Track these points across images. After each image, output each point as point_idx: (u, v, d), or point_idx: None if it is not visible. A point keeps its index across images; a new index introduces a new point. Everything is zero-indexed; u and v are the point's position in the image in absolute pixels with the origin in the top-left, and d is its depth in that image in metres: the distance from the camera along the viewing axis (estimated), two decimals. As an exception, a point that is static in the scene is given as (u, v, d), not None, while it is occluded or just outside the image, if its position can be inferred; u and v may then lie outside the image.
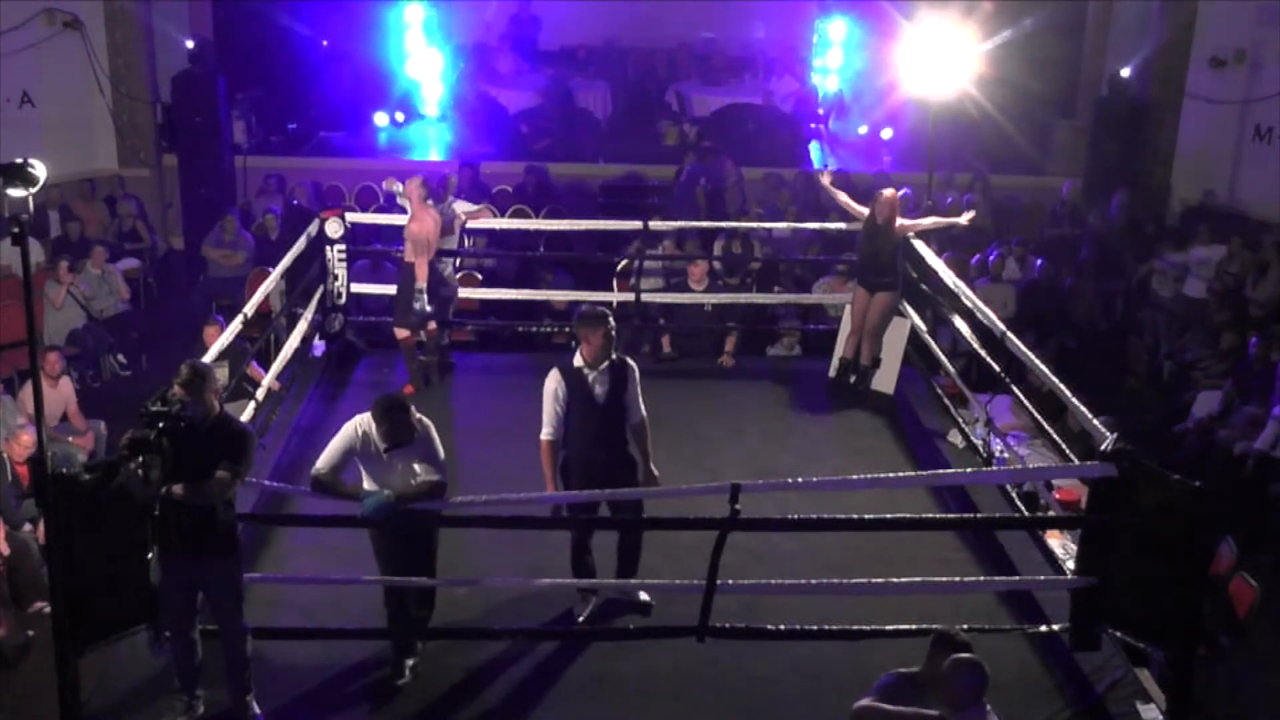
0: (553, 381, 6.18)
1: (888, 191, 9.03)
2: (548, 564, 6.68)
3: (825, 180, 9.71)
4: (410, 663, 5.91)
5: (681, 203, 13.28)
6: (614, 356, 6.23)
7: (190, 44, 13.80)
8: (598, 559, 6.44)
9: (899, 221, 8.96)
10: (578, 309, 6.46)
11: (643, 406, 6.31)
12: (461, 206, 9.95)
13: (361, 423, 5.73)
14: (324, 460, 5.75)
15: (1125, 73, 14.02)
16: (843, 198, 9.43)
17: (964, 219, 9.35)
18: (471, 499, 6.01)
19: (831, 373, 9.46)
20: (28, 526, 7.99)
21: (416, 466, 5.67)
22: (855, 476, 6.45)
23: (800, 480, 6.18)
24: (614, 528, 6.84)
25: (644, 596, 6.52)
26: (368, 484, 5.78)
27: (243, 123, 14.76)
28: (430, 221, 8.86)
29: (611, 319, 6.20)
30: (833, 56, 16.89)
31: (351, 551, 6.61)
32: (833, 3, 16.92)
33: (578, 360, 6.21)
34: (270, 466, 7.54)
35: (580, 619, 6.40)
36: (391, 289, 10.50)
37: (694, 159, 13.66)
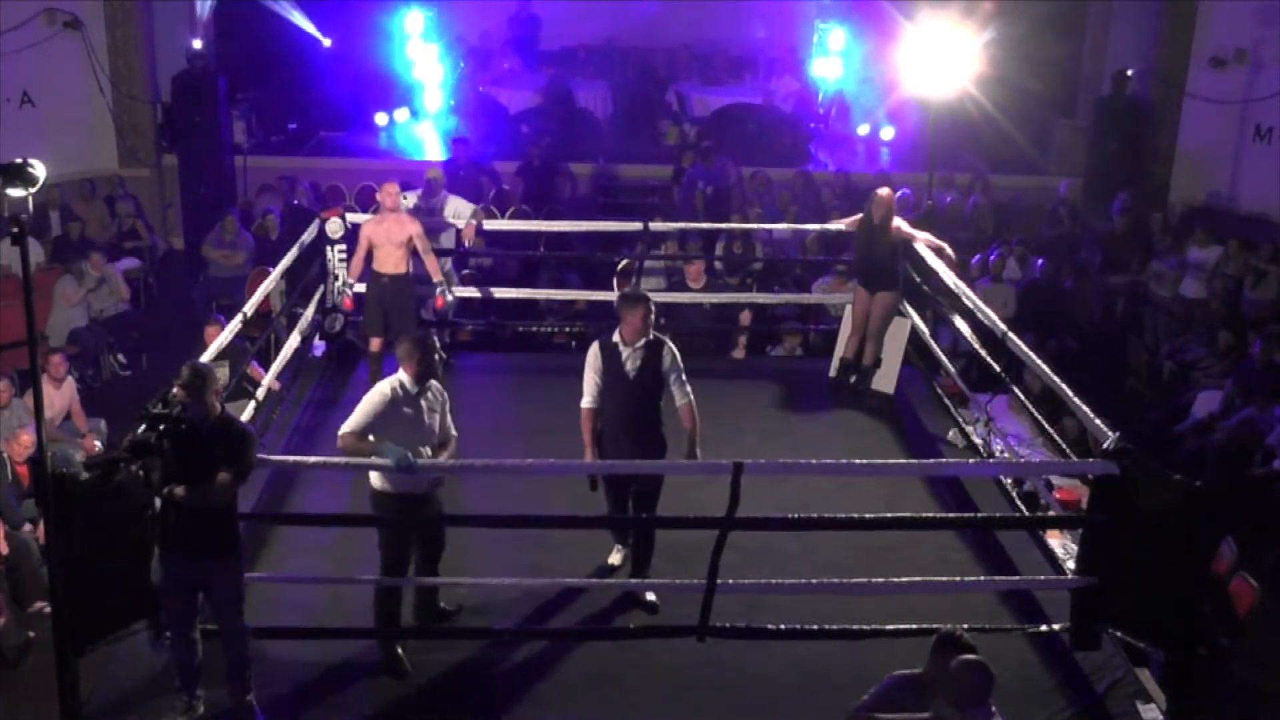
0: (591, 355, 6.46)
1: (883, 191, 9.00)
2: (548, 564, 6.69)
3: (839, 224, 9.72)
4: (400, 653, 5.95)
5: (684, 204, 13.30)
6: (650, 336, 6.40)
7: (198, 44, 13.77)
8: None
9: (895, 222, 8.93)
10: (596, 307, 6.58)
11: (689, 390, 6.42)
12: (458, 204, 9.91)
13: (389, 381, 5.85)
14: (354, 422, 5.78)
15: (1126, 73, 14.03)
16: (845, 222, 9.53)
17: (950, 253, 9.20)
18: (500, 462, 6.26)
19: (832, 373, 9.46)
20: (28, 526, 7.99)
21: (438, 419, 5.93)
22: (858, 461, 6.45)
23: (801, 462, 6.37)
24: (614, 525, 6.89)
25: (650, 597, 6.53)
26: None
27: (243, 123, 14.76)
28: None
29: (650, 301, 6.41)
30: (833, 56, 16.89)
31: (351, 551, 6.63)
32: (833, 3, 16.93)
33: (615, 337, 6.42)
34: (270, 467, 7.52)
35: (610, 563, 6.70)
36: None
37: (696, 160, 13.67)
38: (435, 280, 8.93)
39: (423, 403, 5.88)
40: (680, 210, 13.22)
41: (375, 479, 5.84)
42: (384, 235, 8.72)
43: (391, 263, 8.76)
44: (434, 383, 5.96)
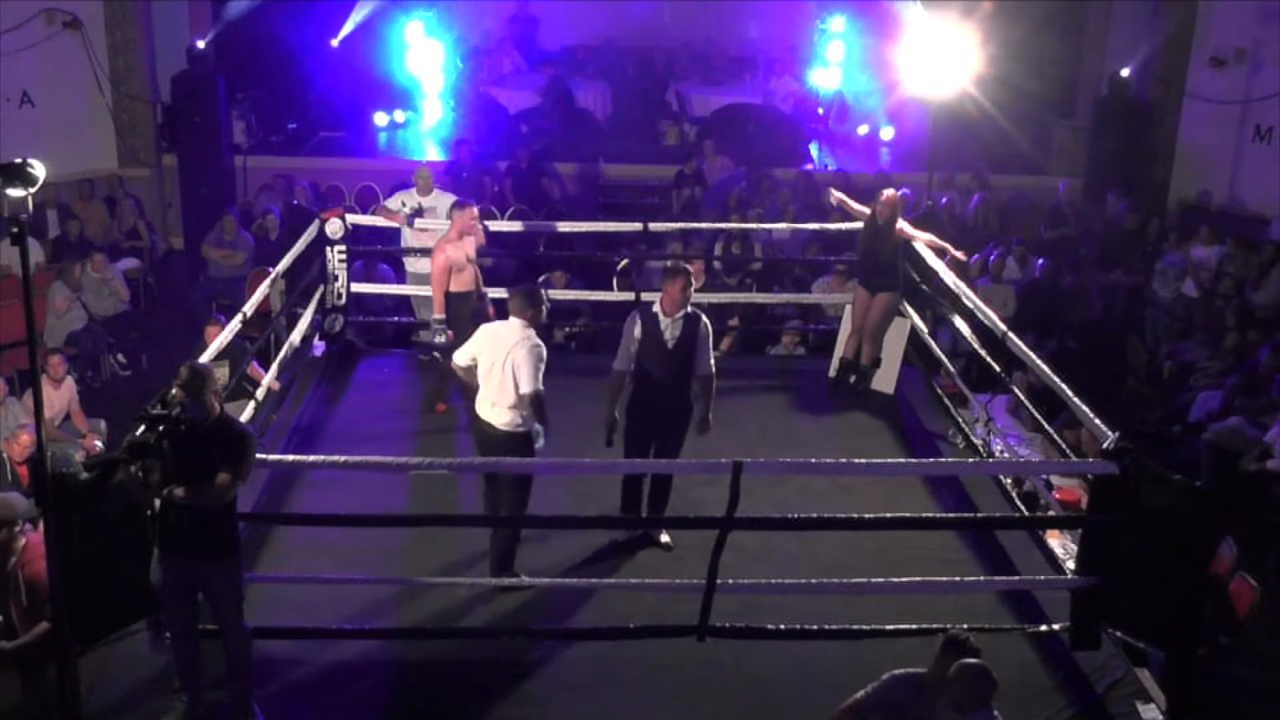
0: (631, 322, 6.84)
1: (889, 192, 8.98)
2: (548, 563, 6.70)
3: (834, 198, 9.59)
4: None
5: (714, 201, 13.33)
6: (689, 309, 6.78)
7: (200, 44, 13.76)
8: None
9: (899, 224, 8.93)
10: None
11: (712, 362, 6.86)
12: (449, 200, 9.87)
13: (528, 333, 6.37)
14: (539, 380, 6.30)
15: (1125, 73, 14.04)
16: (851, 205, 9.45)
17: (958, 254, 9.15)
18: (499, 461, 6.35)
19: (831, 373, 9.46)
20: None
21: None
22: (858, 461, 6.45)
23: (801, 462, 6.54)
24: (610, 525, 6.93)
25: (665, 539, 6.94)
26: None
27: (243, 123, 14.78)
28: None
29: (689, 273, 6.80)
30: (833, 56, 16.89)
31: (351, 551, 6.63)
32: (833, 2, 16.93)
33: (655, 308, 6.80)
34: (269, 467, 7.51)
35: (620, 540, 6.98)
36: (387, 289, 10.48)
37: (732, 164, 13.73)
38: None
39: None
40: (704, 207, 13.23)
41: (505, 423, 6.40)
42: (464, 256, 8.47)
43: (474, 280, 8.54)
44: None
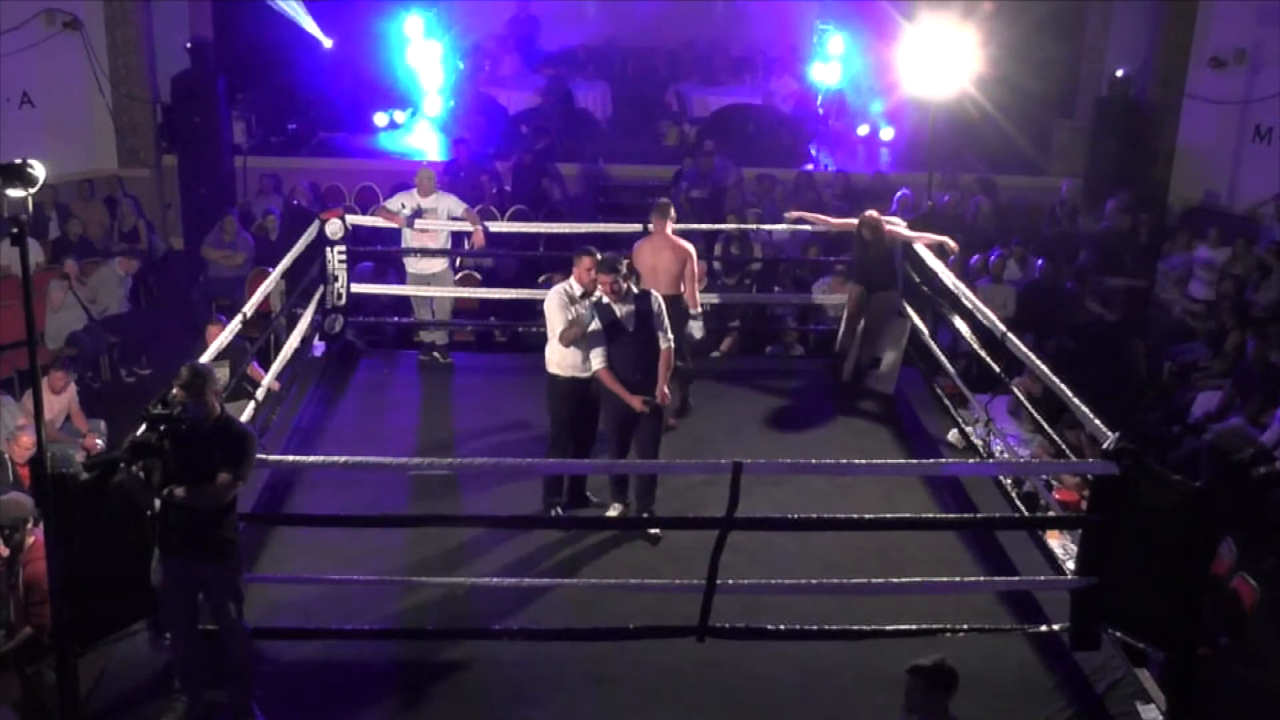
0: (589, 316, 7.05)
1: (869, 214, 9.06)
2: (547, 563, 6.70)
3: (793, 216, 9.71)
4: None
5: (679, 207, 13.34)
6: (635, 290, 7.01)
7: (189, 44, 13.76)
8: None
9: (890, 229, 8.99)
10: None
11: (671, 336, 7.07)
12: (450, 203, 9.87)
13: (566, 289, 7.08)
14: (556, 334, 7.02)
15: (1124, 73, 14.03)
16: (820, 222, 9.55)
17: (951, 245, 9.18)
18: (500, 461, 6.08)
19: (833, 373, 9.46)
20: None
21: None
22: (858, 461, 6.46)
23: (801, 462, 6.55)
24: (612, 526, 6.92)
25: (653, 530, 7.00)
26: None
27: (243, 123, 14.77)
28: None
29: (623, 262, 7.05)
30: (832, 57, 16.89)
31: (351, 552, 6.63)
32: (833, 2, 16.92)
33: (605, 298, 7.03)
34: (270, 467, 7.51)
35: (611, 515, 7.23)
36: (394, 289, 10.45)
37: (691, 163, 13.70)
38: (693, 311, 8.35)
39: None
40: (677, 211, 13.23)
41: (553, 367, 7.15)
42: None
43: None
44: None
